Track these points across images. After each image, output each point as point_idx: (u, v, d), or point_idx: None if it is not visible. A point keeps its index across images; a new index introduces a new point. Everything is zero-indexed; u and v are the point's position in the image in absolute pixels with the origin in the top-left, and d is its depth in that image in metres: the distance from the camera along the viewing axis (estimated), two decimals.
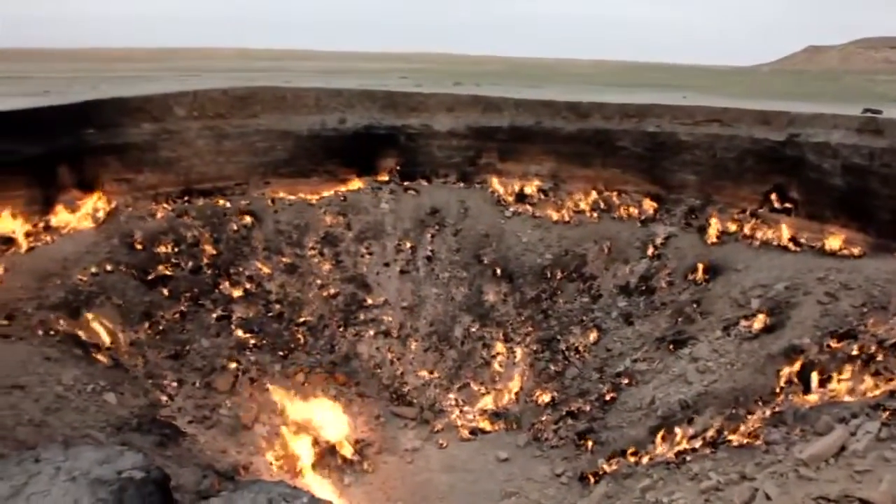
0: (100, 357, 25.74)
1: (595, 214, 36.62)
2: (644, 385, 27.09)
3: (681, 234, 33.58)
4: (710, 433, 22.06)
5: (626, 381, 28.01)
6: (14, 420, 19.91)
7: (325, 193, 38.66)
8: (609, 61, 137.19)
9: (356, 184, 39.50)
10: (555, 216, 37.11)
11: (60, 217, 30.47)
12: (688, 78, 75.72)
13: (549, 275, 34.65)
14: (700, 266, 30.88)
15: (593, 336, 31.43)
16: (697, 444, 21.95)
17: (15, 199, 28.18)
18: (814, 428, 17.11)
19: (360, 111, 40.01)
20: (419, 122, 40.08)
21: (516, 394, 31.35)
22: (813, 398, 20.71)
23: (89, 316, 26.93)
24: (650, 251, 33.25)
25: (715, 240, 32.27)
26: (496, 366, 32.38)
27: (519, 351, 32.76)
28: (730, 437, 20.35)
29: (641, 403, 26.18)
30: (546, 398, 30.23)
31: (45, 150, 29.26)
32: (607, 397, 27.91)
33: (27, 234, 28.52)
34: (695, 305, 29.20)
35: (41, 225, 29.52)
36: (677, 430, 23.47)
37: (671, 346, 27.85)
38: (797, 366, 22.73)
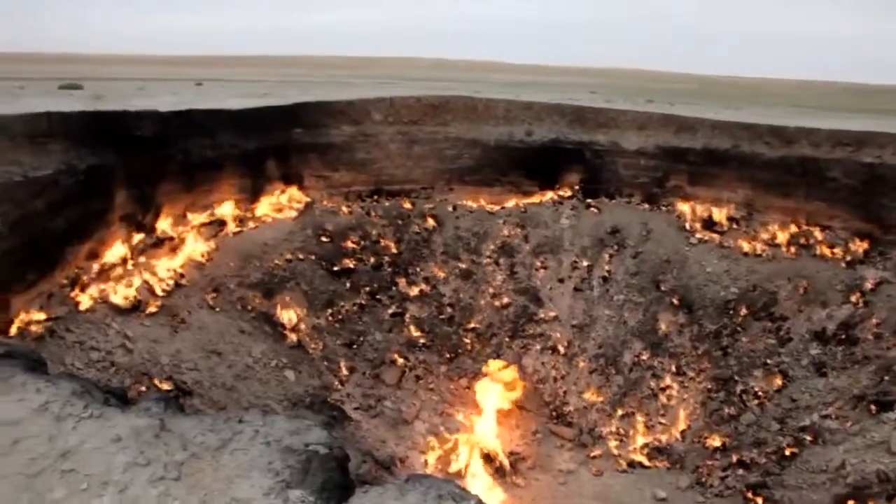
0: (285, 336, 27.98)
1: (792, 250, 33.49)
2: (833, 446, 24.25)
3: None
4: None
5: (810, 437, 25.26)
6: (210, 381, 22.25)
7: (507, 204, 39.05)
8: (817, 82, 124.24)
9: (538, 197, 39.51)
10: (745, 247, 34.49)
11: (264, 206, 33.52)
12: None
13: (732, 310, 32.22)
14: None
15: (777, 382, 28.72)
16: None
17: (230, 186, 31.43)
18: None
19: (548, 125, 39.98)
20: (607, 139, 39.18)
21: (682, 432, 29.48)
22: None
23: (280, 298, 29.34)
24: (855, 297, 29.76)
25: None
26: (664, 399, 30.69)
27: (691, 387, 30.80)
28: None
29: (828, 466, 23.45)
30: (716, 442, 28.10)
31: (259, 145, 32.35)
32: (787, 452, 25.34)
33: (236, 219, 31.67)
34: None
35: (248, 212, 32.65)
36: None
37: (872, 408, 24.67)
38: None
